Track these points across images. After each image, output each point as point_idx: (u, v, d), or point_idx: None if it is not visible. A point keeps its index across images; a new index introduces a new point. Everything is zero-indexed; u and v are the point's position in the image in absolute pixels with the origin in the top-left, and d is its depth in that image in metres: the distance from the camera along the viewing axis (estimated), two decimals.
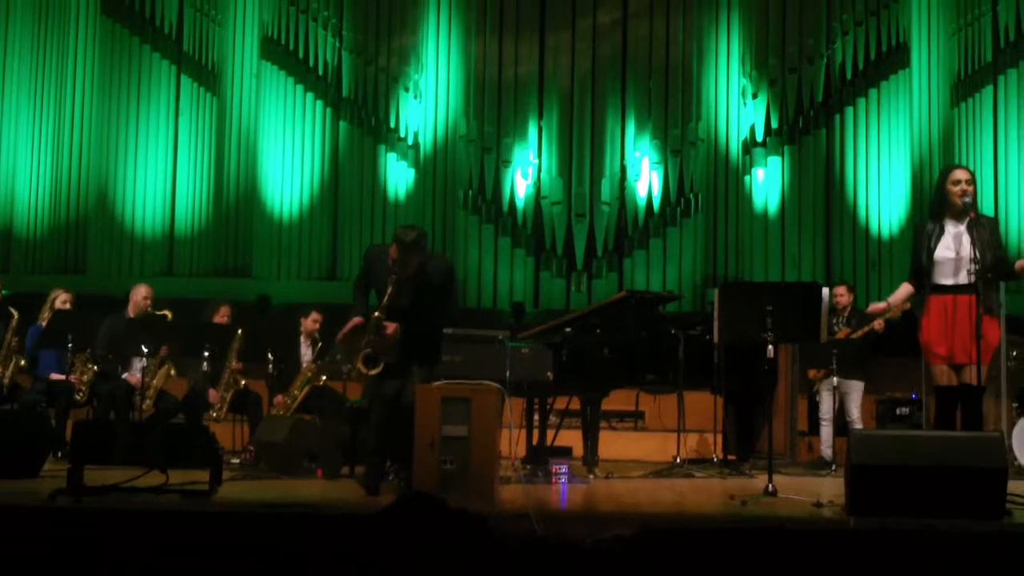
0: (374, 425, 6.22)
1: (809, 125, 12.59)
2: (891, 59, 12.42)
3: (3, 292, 8.07)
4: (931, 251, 5.84)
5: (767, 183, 12.57)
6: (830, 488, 6.04)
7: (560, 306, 12.14)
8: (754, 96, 12.67)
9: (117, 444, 5.82)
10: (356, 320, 6.10)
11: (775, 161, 12.58)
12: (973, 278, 5.68)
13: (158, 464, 5.55)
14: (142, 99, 12.94)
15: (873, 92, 12.46)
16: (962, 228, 5.82)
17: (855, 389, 8.62)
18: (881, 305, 6.38)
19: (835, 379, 8.50)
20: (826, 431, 8.63)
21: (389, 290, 5.99)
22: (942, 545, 4.22)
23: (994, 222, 6.04)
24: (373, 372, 6.03)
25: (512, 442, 6.72)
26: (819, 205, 12.55)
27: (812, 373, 8.82)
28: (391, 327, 6.01)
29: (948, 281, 5.81)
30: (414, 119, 12.94)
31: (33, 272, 12.47)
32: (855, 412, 8.57)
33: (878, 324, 8.39)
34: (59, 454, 7.34)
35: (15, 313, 8.01)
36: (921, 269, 5.92)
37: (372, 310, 6.13)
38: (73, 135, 13.03)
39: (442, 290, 6.17)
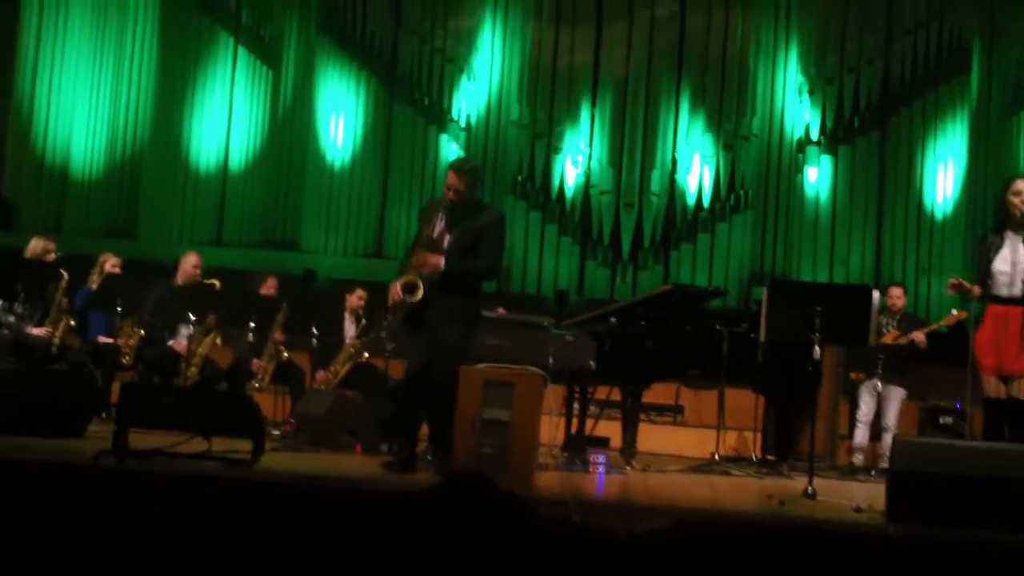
0: (400, 403, 6.25)
1: (865, 126, 12.42)
2: (951, 63, 12.23)
3: (57, 254, 8.16)
4: (989, 262, 5.79)
5: (819, 182, 12.44)
6: (869, 493, 5.98)
7: (604, 296, 12.08)
8: (810, 94, 12.53)
9: (162, 409, 5.90)
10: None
11: (828, 161, 12.44)
12: None
13: (201, 430, 5.61)
14: (199, 69, 13.05)
15: (931, 96, 12.26)
16: (1020, 239, 5.76)
17: (896, 396, 8.50)
18: (967, 286, 5.97)
19: (878, 383, 8.42)
20: (860, 433, 8.51)
21: (441, 213, 5.99)
22: (982, 557, 4.19)
23: None
24: (411, 300, 5.96)
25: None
26: (871, 207, 12.37)
27: (854, 375, 8.74)
28: (438, 257, 6.00)
29: (1004, 292, 5.76)
30: (467, 102, 12.94)
31: (84, 235, 12.58)
32: (892, 419, 8.44)
33: (919, 338, 8.35)
34: (104, 416, 7.44)
35: (65, 274, 8.11)
36: (984, 282, 5.87)
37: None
38: (129, 101, 13.14)
39: (488, 233, 6.10)
